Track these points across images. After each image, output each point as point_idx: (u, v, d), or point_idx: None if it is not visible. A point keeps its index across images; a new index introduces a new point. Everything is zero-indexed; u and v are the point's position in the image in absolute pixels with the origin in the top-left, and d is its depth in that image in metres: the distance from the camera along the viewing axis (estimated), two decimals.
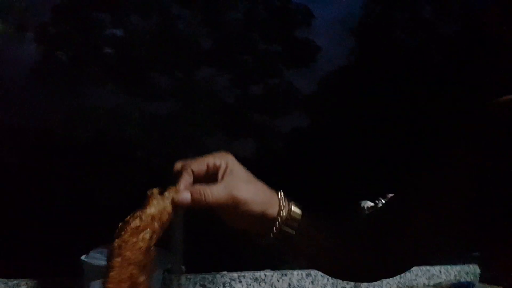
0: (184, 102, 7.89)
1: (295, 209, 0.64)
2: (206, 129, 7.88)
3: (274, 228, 0.63)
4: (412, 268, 2.41)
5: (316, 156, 8.08)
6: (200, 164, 0.62)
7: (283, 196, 0.64)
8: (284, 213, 0.63)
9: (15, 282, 2.11)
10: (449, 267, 2.53)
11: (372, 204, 2.56)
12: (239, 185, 0.61)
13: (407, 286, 2.36)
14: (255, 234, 0.64)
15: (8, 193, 4.98)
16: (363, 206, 2.54)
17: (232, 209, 0.60)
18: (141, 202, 0.56)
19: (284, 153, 8.56)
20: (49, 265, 3.22)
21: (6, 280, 2.09)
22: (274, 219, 0.63)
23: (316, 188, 6.81)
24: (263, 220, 0.62)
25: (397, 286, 2.33)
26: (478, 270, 2.62)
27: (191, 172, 0.61)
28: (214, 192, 0.59)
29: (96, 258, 1.69)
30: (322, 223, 0.66)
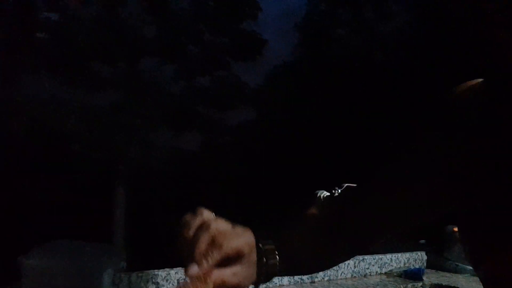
0: (127, 93, 7.57)
1: (272, 262, 0.63)
2: (150, 121, 7.61)
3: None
4: (365, 257, 2.40)
5: (264, 150, 8.11)
6: (228, 249, 0.59)
7: (260, 258, 0.63)
8: (262, 273, 0.62)
9: None
10: (399, 255, 2.63)
11: (328, 193, 2.57)
12: (244, 274, 0.61)
13: (361, 275, 2.40)
14: None
15: None
16: (319, 196, 2.54)
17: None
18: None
19: (231, 147, 8.51)
20: None
21: None
22: (256, 283, 0.64)
23: (265, 181, 6.84)
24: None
25: (352, 275, 2.36)
26: (425, 257, 2.77)
27: (217, 260, 0.58)
28: (230, 276, 0.60)
29: (36, 258, 1.52)
30: (291, 243, 0.66)
